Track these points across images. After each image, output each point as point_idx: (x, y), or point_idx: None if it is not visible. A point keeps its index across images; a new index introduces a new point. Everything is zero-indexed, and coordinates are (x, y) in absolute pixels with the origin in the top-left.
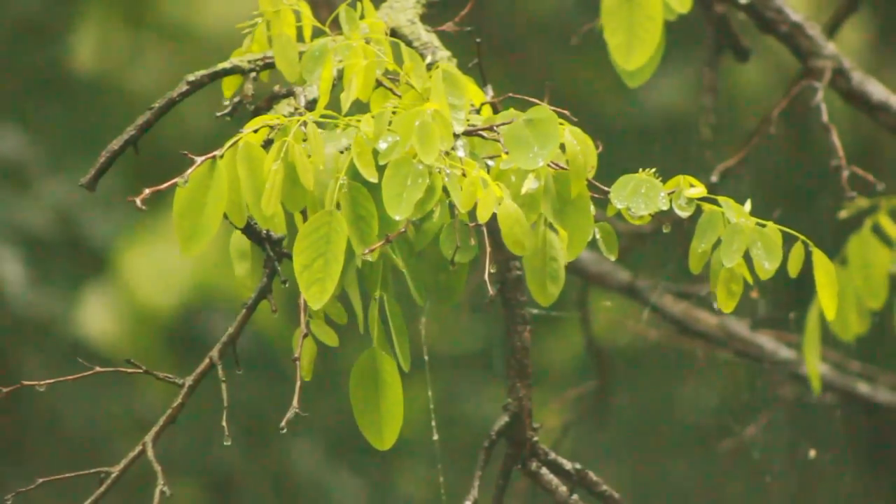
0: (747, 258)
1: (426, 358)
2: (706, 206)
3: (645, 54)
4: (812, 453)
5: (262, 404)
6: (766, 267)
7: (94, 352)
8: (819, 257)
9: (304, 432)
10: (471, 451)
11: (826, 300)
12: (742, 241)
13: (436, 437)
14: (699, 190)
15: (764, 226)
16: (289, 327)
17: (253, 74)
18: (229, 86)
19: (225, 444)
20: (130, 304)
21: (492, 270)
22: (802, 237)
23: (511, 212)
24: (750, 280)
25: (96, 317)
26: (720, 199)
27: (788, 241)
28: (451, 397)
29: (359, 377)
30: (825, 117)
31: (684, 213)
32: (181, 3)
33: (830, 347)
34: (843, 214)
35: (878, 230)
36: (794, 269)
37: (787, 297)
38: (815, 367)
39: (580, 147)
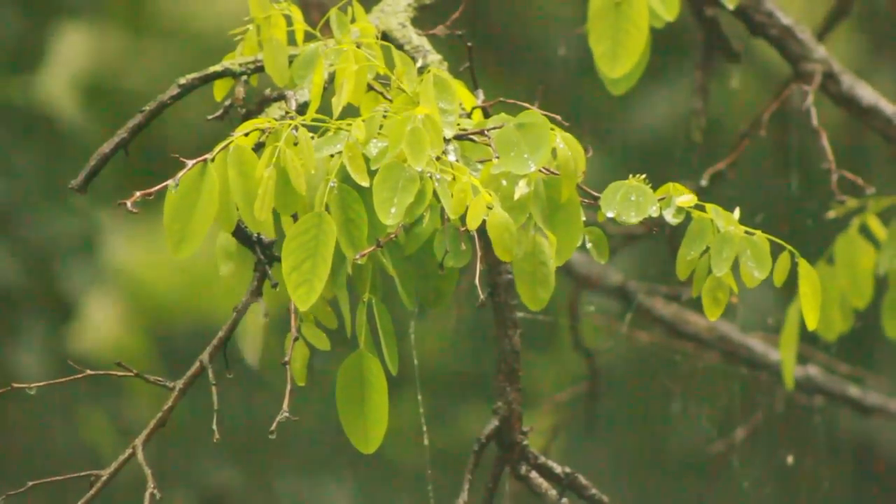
0: (732, 264)
1: (416, 362)
2: (695, 214)
3: (629, 62)
4: (790, 459)
5: (244, 419)
6: (756, 275)
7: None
8: (805, 268)
9: (291, 441)
10: (460, 456)
11: (809, 311)
12: (732, 249)
13: (426, 441)
14: (689, 198)
15: (752, 234)
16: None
17: (244, 78)
18: (221, 89)
19: (214, 440)
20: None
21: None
22: (790, 247)
23: (500, 220)
24: (735, 289)
25: (94, 327)
26: (709, 206)
27: (773, 247)
28: (442, 403)
29: (345, 380)
30: (815, 121)
31: (674, 221)
32: (179, 2)
33: (819, 350)
34: (832, 214)
35: (865, 230)
36: (779, 279)
37: (769, 300)
38: (790, 363)
39: (571, 151)
